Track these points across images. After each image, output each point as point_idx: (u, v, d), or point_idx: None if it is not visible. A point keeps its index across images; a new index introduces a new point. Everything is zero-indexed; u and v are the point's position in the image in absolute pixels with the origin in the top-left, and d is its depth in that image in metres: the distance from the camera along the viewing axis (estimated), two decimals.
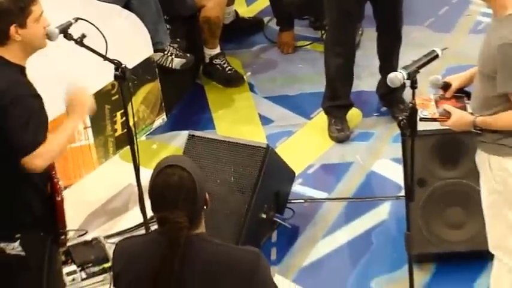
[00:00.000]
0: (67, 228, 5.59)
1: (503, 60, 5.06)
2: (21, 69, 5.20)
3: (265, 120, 7.69)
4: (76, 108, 5.33)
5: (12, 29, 5.03)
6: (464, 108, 5.43)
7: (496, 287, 5.77)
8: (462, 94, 5.55)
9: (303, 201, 6.97)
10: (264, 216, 6.60)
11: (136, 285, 4.77)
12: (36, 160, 5.08)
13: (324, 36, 7.61)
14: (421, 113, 5.18)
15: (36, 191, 5.28)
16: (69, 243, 6.17)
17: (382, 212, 6.84)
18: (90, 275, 6.45)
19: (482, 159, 5.40)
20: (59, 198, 5.41)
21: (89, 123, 7.12)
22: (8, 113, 5.06)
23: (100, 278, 6.43)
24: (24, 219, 5.33)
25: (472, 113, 5.32)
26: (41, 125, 5.16)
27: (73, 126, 5.32)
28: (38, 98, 5.22)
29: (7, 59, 5.14)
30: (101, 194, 6.97)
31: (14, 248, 5.35)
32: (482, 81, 5.30)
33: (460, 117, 5.34)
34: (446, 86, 5.56)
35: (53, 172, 5.45)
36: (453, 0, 8.25)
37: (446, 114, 5.36)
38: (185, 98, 7.85)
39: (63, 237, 5.56)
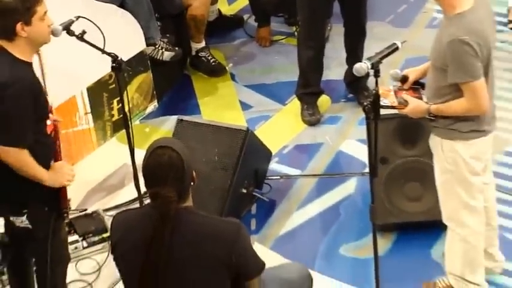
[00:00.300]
0: (69, 206, 5.65)
1: (453, 55, 5.12)
2: (28, 65, 5.18)
3: (245, 106, 7.70)
4: (54, 173, 5.35)
5: (19, 26, 5.01)
6: (420, 98, 5.49)
7: (449, 254, 5.83)
8: (418, 86, 5.61)
9: (279, 177, 6.98)
10: (244, 191, 6.62)
11: (131, 253, 4.77)
12: (8, 156, 5.14)
13: (297, 32, 7.61)
14: (382, 102, 5.19)
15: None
16: (71, 216, 6.18)
17: (349, 187, 6.87)
18: (91, 244, 6.48)
19: (435, 142, 5.46)
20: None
21: (89, 110, 7.14)
22: (4, 105, 5.05)
23: (99, 246, 6.45)
24: (31, 196, 5.33)
25: (426, 102, 5.38)
26: (28, 127, 5.17)
27: (40, 176, 5.26)
28: (38, 96, 5.22)
29: (15, 55, 5.11)
30: (99, 173, 6.96)
31: (22, 221, 5.37)
32: (434, 73, 5.36)
33: (416, 105, 5.40)
34: (404, 79, 5.63)
35: (59, 156, 5.49)
36: None
37: (404, 103, 5.44)
38: (174, 87, 7.86)
39: (65, 214, 5.61)
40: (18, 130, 5.14)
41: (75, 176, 5.58)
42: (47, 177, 5.30)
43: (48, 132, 5.30)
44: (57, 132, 5.52)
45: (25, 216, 5.35)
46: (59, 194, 5.46)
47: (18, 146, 5.11)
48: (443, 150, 5.45)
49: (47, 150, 5.32)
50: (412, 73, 5.66)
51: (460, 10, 5.18)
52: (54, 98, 5.41)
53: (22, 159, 5.15)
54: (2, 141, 5.09)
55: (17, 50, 5.11)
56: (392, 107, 5.42)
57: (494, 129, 5.56)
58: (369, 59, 5.08)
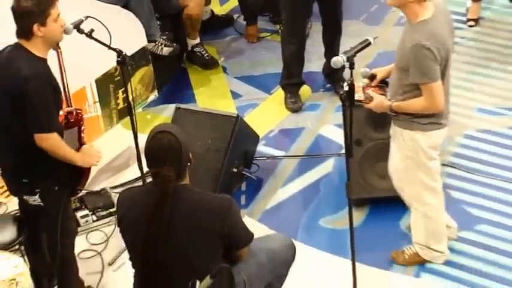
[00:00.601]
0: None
1: (415, 58, 5.17)
2: (44, 61, 5.21)
3: (235, 95, 7.68)
4: (85, 157, 5.47)
5: (35, 27, 5.06)
6: (384, 95, 5.54)
7: (414, 227, 5.91)
8: (383, 84, 5.64)
9: (265, 158, 6.97)
10: (235, 170, 6.61)
11: (135, 225, 4.80)
12: (43, 142, 5.17)
13: (281, 29, 7.59)
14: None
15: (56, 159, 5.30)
16: (82, 194, 6.20)
17: (327, 166, 6.86)
18: (100, 218, 6.50)
19: (397, 132, 5.52)
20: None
21: (97, 99, 7.14)
22: (29, 97, 5.08)
23: (107, 220, 6.46)
24: (43, 177, 5.36)
25: (390, 99, 5.44)
26: (53, 114, 5.25)
27: (72, 159, 5.36)
28: (56, 88, 5.27)
29: (33, 52, 5.15)
30: (107, 155, 6.92)
31: (35, 200, 5.40)
32: (398, 73, 5.40)
33: (380, 101, 5.46)
34: (372, 77, 5.65)
35: (83, 140, 5.61)
36: None
37: (370, 98, 5.48)
38: (172, 79, 7.82)
39: (79, 191, 5.74)
40: (46, 118, 5.20)
41: (101, 157, 5.72)
42: (79, 158, 5.42)
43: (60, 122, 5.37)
44: (81, 119, 5.63)
45: (37, 195, 5.38)
46: (75, 174, 5.51)
47: (49, 131, 5.19)
48: (404, 139, 5.49)
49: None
50: (380, 72, 5.69)
51: (423, 18, 5.22)
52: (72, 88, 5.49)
53: (54, 143, 5.22)
54: (35, 129, 5.15)
55: (34, 47, 5.16)
56: (359, 102, 5.43)
57: (448, 122, 5.59)
58: (344, 53, 5.05)
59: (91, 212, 6.49)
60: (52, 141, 5.20)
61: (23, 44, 5.16)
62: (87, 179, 5.75)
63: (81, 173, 5.58)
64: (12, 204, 6.40)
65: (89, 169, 5.63)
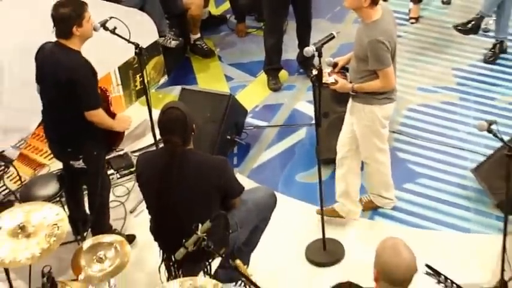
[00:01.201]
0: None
1: (372, 50, 5.21)
2: (80, 53, 5.23)
3: (228, 78, 7.63)
4: (120, 122, 5.60)
5: (74, 28, 5.10)
6: (345, 79, 5.53)
7: (368, 179, 5.95)
8: (344, 70, 5.63)
9: (252, 127, 6.94)
10: (228, 137, 6.60)
11: (150, 181, 4.85)
12: (94, 117, 5.26)
13: (264, 26, 7.54)
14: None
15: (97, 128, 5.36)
16: (108, 157, 6.21)
17: (301, 134, 6.84)
18: (122, 175, 6.49)
19: (357, 107, 5.51)
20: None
21: (120, 82, 7.11)
22: (79, 84, 5.13)
23: (128, 177, 6.46)
24: (85, 146, 5.40)
25: (350, 82, 5.45)
26: (97, 94, 5.35)
27: (113, 126, 5.49)
28: (94, 72, 5.30)
29: (72, 48, 5.18)
30: None
31: (79, 164, 5.44)
32: (357, 61, 5.41)
33: (343, 83, 5.47)
34: (335, 65, 5.62)
35: (113, 113, 5.65)
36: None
37: (335, 82, 5.48)
38: (179, 66, 7.77)
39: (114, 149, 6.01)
40: (94, 97, 5.29)
41: (132, 121, 5.86)
42: (116, 125, 5.54)
43: None
44: (108, 95, 5.69)
45: (81, 160, 5.43)
46: (109, 139, 5.61)
47: (97, 108, 5.26)
48: (364, 112, 5.48)
49: None
50: (340, 61, 5.66)
51: (375, 19, 5.26)
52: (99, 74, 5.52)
53: (102, 116, 5.33)
54: (87, 108, 5.22)
55: (72, 44, 5.19)
56: (327, 84, 5.43)
57: (396, 98, 5.61)
58: (314, 44, 5.09)
59: (115, 171, 6.49)
60: (100, 115, 5.30)
61: (63, 42, 5.19)
62: (122, 140, 5.81)
63: (114, 137, 5.65)
64: (54, 165, 6.39)
65: (121, 133, 5.68)
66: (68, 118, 5.26)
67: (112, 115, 5.54)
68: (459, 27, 7.27)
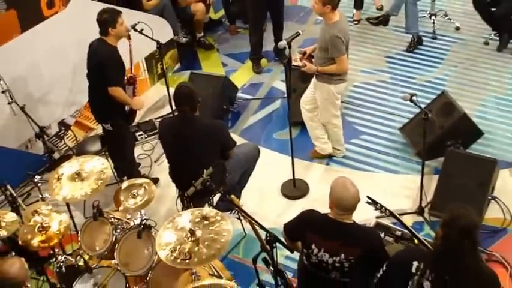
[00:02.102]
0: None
1: (332, 43, 5.20)
2: (115, 48, 5.19)
3: (224, 65, 7.51)
4: (135, 102, 5.45)
5: (110, 29, 5.05)
6: (311, 63, 5.47)
7: (328, 130, 5.86)
8: (311, 57, 5.57)
9: (242, 100, 6.84)
10: (225, 107, 6.56)
11: (169, 138, 4.90)
12: (113, 92, 5.18)
13: (249, 27, 7.43)
14: (294, 63, 5.28)
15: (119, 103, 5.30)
16: (138, 122, 6.17)
17: (277, 104, 6.76)
18: (150, 135, 6.41)
19: (319, 85, 5.49)
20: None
21: (146, 68, 7.03)
22: (108, 68, 5.08)
23: (153, 137, 6.38)
24: (113, 114, 5.35)
25: (315, 66, 5.41)
26: (120, 77, 5.25)
27: (130, 103, 5.36)
28: (122, 64, 5.25)
29: (109, 43, 5.13)
30: (151, 99, 6.89)
31: (108, 127, 5.39)
32: (320, 51, 5.38)
33: (310, 66, 5.42)
34: (304, 53, 5.57)
35: (137, 94, 5.58)
36: (306, 9, 8.13)
37: (304, 65, 5.41)
38: (188, 56, 7.63)
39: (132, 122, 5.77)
40: (115, 78, 5.19)
41: (144, 105, 5.79)
42: (134, 103, 5.42)
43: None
44: (136, 81, 5.54)
45: (109, 124, 5.36)
46: (129, 113, 5.50)
47: (116, 86, 5.17)
48: (324, 88, 5.47)
49: None
50: (308, 50, 5.60)
51: (334, 20, 5.24)
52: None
53: (120, 93, 5.22)
54: (110, 84, 5.13)
55: (109, 40, 5.15)
56: (298, 67, 5.41)
57: (347, 79, 5.59)
58: (285, 39, 5.07)
59: (144, 132, 6.40)
60: (118, 92, 5.19)
61: (103, 38, 5.14)
62: (135, 117, 5.69)
63: (132, 113, 5.54)
64: (100, 129, 6.33)
65: (135, 112, 5.56)
66: (99, 93, 5.21)
67: (135, 95, 5.52)
68: (370, 20, 7.37)
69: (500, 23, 6.96)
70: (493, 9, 6.92)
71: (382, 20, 7.17)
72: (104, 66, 5.08)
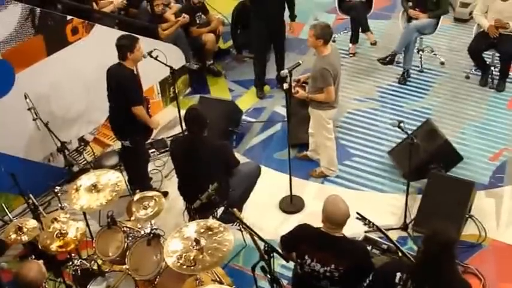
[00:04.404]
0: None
1: (321, 74, 5.25)
2: (132, 71, 5.19)
3: (230, 90, 7.55)
4: (153, 121, 5.45)
5: (128, 53, 5.04)
6: (304, 91, 5.53)
7: (321, 158, 5.93)
8: (304, 84, 5.65)
9: (246, 122, 6.87)
10: (230, 129, 6.57)
11: (178, 157, 4.88)
12: (137, 110, 5.18)
13: (254, 57, 7.48)
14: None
15: (139, 121, 5.28)
16: (151, 141, 6.18)
17: (277, 127, 6.78)
18: (161, 152, 6.43)
19: (312, 110, 5.58)
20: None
21: (159, 91, 7.06)
22: (129, 89, 5.10)
23: (164, 154, 6.38)
24: (132, 131, 5.36)
25: (307, 93, 5.47)
26: (140, 96, 5.23)
27: (148, 122, 5.34)
28: (140, 84, 5.28)
29: (127, 66, 5.13)
30: (164, 120, 6.89)
31: (126, 143, 5.41)
32: (312, 80, 5.45)
33: (302, 93, 5.50)
34: (298, 80, 5.66)
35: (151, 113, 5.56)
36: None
37: (296, 92, 5.45)
38: (198, 82, 7.64)
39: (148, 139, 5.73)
40: (139, 97, 5.21)
41: (159, 125, 5.86)
42: (151, 122, 5.40)
43: None
44: (149, 102, 5.55)
45: (128, 141, 5.39)
46: (146, 131, 5.49)
47: (139, 105, 5.17)
48: (315, 114, 5.55)
49: None
50: (302, 78, 5.70)
51: (326, 54, 5.31)
52: (146, 85, 5.53)
53: (142, 111, 5.22)
54: (133, 104, 5.14)
55: (127, 64, 5.14)
56: (292, 93, 5.42)
57: (338, 105, 5.63)
58: (287, 68, 5.09)
59: (156, 150, 6.43)
60: (140, 111, 5.20)
61: (122, 62, 5.14)
62: (151, 135, 5.70)
63: (149, 132, 5.54)
64: (116, 145, 6.37)
65: (151, 130, 5.55)
66: (121, 112, 5.21)
67: (149, 115, 5.49)
68: (381, 60, 7.28)
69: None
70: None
71: (391, 59, 7.19)
72: (125, 88, 5.08)
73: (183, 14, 7.34)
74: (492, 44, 6.81)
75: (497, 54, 6.96)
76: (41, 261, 3.72)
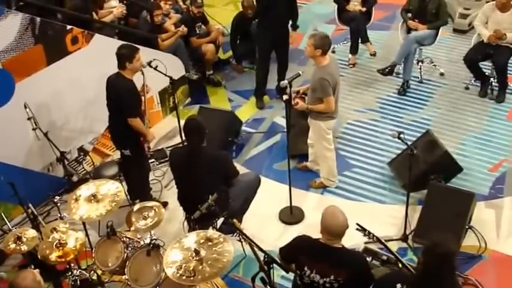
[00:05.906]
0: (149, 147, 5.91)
1: (320, 85, 5.25)
2: (131, 81, 5.19)
3: (230, 101, 7.57)
4: (149, 133, 5.43)
5: (127, 63, 5.04)
6: (304, 102, 5.54)
7: (321, 169, 5.95)
8: (304, 95, 5.65)
9: (245, 133, 6.88)
10: (230, 139, 6.60)
11: (178, 166, 4.86)
12: (133, 122, 5.17)
13: (255, 67, 7.52)
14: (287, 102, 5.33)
15: (136, 132, 5.28)
16: (151, 151, 6.18)
17: (277, 137, 6.78)
18: (160, 162, 6.42)
19: (311, 121, 5.58)
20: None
21: (159, 102, 7.08)
22: (127, 100, 5.08)
23: (164, 164, 6.39)
24: (131, 141, 5.36)
25: (307, 104, 5.48)
26: (137, 108, 5.23)
27: (145, 133, 5.33)
28: (138, 95, 5.28)
29: (125, 76, 5.13)
30: (163, 130, 6.91)
31: (127, 152, 5.40)
32: (311, 91, 5.46)
33: (302, 104, 5.52)
34: (298, 92, 5.68)
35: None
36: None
37: (296, 103, 5.48)
38: (197, 92, 7.67)
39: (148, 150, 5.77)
40: (136, 109, 5.21)
41: (155, 137, 5.84)
42: (147, 133, 5.39)
43: None
44: (145, 113, 5.58)
45: (128, 150, 5.39)
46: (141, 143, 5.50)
47: (136, 117, 5.17)
48: (315, 124, 5.56)
49: None
50: (302, 89, 5.72)
51: (324, 64, 5.33)
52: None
53: (139, 123, 5.23)
54: (129, 115, 5.14)
55: (126, 74, 5.15)
56: (292, 105, 5.43)
57: (338, 116, 5.66)
58: (287, 79, 5.12)
59: (156, 160, 6.42)
60: (136, 122, 5.19)
61: (121, 72, 5.15)
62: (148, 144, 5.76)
63: (142, 143, 5.53)
64: (115, 155, 6.39)
65: (143, 143, 5.53)
66: (119, 122, 5.22)
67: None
68: (380, 71, 7.31)
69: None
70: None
71: (391, 70, 7.23)
72: (122, 99, 5.09)
73: (182, 26, 7.39)
74: (489, 55, 6.86)
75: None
76: (36, 270, 3.70)
